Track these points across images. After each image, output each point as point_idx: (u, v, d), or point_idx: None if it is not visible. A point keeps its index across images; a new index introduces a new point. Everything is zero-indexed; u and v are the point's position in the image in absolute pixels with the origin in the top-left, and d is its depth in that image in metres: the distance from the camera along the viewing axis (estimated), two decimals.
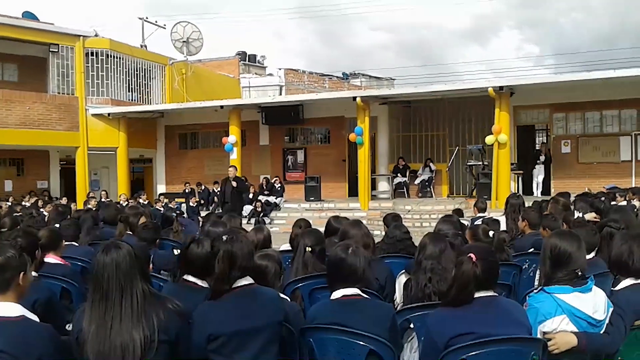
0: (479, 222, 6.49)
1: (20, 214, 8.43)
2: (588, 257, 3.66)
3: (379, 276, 3.86)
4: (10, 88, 17.39)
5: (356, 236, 4.08)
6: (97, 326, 2.37)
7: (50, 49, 17.17)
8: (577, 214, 5.40)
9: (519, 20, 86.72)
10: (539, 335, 2.76)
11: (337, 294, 2.94)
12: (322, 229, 4.99)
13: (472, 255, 2.65)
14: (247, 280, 2.77)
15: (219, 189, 17.64)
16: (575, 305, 2.78)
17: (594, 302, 2.82)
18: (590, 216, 5.58)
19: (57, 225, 5.24)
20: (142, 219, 5.70)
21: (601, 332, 2.82)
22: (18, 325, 2.38)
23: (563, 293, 2.81)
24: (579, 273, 2.87)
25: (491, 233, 4.62)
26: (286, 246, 5.26)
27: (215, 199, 17.45)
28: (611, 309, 2.88)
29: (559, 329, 2.77)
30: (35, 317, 2.49)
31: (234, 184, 12.04)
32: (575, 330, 2.77)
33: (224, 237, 2.81)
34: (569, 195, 7.54)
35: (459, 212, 7.80)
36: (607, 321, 2.84)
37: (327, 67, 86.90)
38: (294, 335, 2.94)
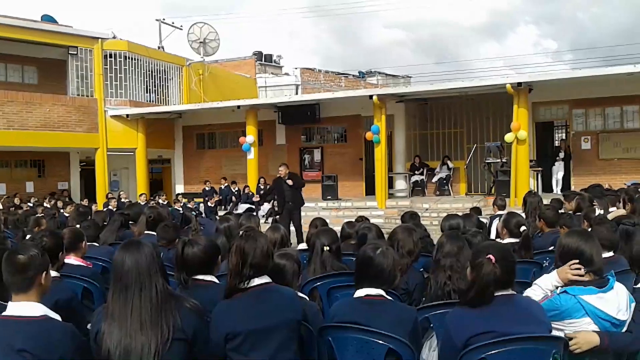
0: (497, 220, 6.43)
1: (42, 215, 8.55)
2: (609, 254, 3.62)
3: (409, 282, 3.79)
4: (31, 90, 17.65)
5: (403, 241, 4.00)
6: (117, 322, 2.41)
7: (69, 52, 17.38)
8: (597, 211, 5.34)
9: (536, 15, 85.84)
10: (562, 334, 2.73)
11: (360, 293, 2.93)
12: (338, 228, 5.00)
13: (491, 256, 2.63)
14: (265, 279, 2.78)
15: (239, 189, 17.73)
16: (599, 307, 2.75)
17: (617, 302, 2.78)
18: (615, 214, 5.50)
19: (78, 226, 5.30)
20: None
21: (623, 329, 2.79)
22: (40, 325, 2.41)
23: (587, 294, 2.77)
24: (590, 271, 2.84)
25: (522, 228, 4.59)
26: (303, 245, 5.27)
27: (234, 198, 17.53)
28: (633, 305, 2.84)
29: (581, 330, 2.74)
30: (57, 317, 2.53)
31: (290, 182, 11.72)
32: (598, 330, 2.74)
33: (240, 233, 2.83)
34: (602, 187, 7.42)
35: (477, 211, 7.72)
36: (629, 319, 2.80)
37: (342, 66, 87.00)
38: (312, 334, 2.94)
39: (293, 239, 11.39)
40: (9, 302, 2.49)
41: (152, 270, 2.49)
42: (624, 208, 6.03)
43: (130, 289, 2.45)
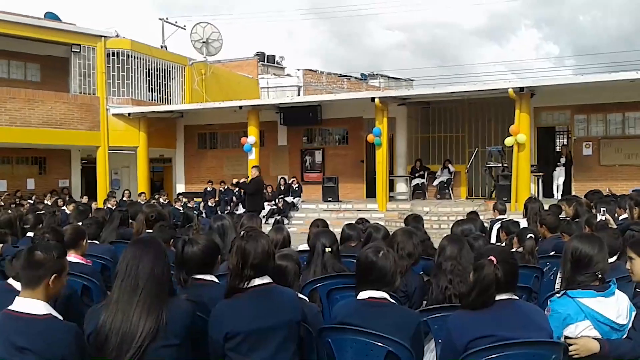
0: (498, 224, 6.44)
1: (42, 212, 8.54)
2: (610, 260, 3.62)
3: (409, 285, 3.76)
4: (33, 88, 17.65)
5: (403, 243, 3.98)
6: (120, 309, 2.48)
7: (72, 49, 17.39)
8: (599, 217, 5.33)
9: (537, 18, 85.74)
10: (562, 340, 2.73)
11: (363, 295, 2.92)
12: (338, 230, 5.00)
13: (492, 258, 2.63)
14: (265, 280, 2.78)
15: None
16: (598, 310, 2.75)
17: (617, 307, 2.78)
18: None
19: (80, 224, 5.30)
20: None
21: (623, 336, 2.78)
22: (44, 323, 2.42)
23: (586, 297, 2.78)
24: (599, 275, 2.84)
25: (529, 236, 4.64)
26: (304, 246, 5.26)
27: (234, 198, 17.51)
28: (634, 313, 2.84)
29: (582, 334, 2.74)
30: (61, 317, 2.54)
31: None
32: (598, 335, 2.74)
33: (242, 233, 2.83)
34: (601, 193, 7.38)
35: (474, 215, 7.71)
36: (629, 325, 2.80)
37: (343, 68, 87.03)
38: (312, 335, 2.94)
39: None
40: (16, 297, 2.51)
41: (155, 268, 2.55)
42: (631, 214, 6.00)
43: (132, 286, 2.50)
